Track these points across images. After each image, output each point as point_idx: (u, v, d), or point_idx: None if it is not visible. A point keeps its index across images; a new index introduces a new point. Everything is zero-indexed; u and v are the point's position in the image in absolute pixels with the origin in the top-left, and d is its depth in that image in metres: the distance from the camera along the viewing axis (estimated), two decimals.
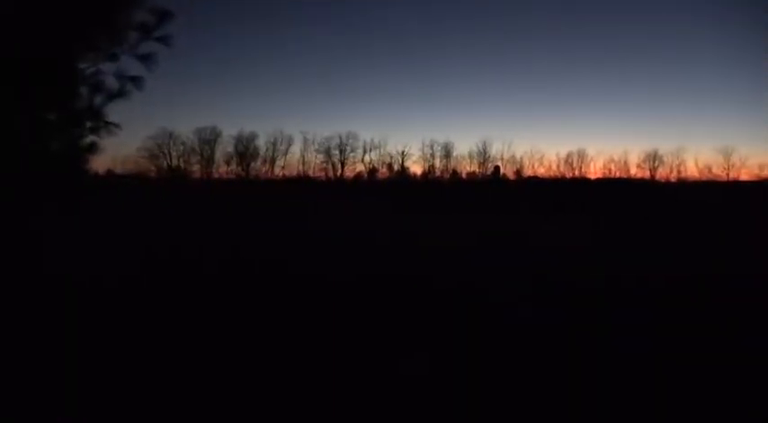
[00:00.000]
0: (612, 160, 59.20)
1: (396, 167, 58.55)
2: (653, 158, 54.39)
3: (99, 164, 17.60)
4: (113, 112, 5.96)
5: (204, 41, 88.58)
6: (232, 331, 5.85)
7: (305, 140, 59.17)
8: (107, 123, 5.83)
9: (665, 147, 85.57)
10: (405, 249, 13.40)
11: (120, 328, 5.90)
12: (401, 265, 10.51)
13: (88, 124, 5.77)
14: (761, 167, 52.01)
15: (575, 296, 7.59)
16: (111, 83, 5.86)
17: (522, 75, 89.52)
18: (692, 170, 56.17)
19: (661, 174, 54.17)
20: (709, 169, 51.94)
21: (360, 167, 58.55)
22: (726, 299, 7.46)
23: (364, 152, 57.94)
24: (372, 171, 58.45)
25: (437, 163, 58.20)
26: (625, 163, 56.84)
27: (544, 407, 3.98)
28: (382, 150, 60.04)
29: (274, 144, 57.18)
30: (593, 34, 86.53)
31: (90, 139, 5.86)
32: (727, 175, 51.09)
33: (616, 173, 55.38)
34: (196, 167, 55.84)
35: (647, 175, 54.37)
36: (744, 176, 50.61)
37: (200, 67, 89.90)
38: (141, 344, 5.38)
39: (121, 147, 62.17)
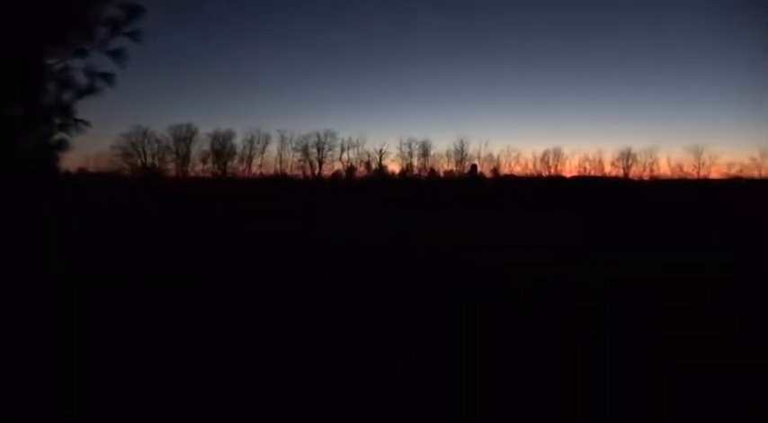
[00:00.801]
0: (587, 159, 59.77)
1: (374, 166, 58.64)
2: (626, 157, 55.41)
3: (71, 162, 17.27)
4: (84, 108, 5.84)
5: (180, 38, 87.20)
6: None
7: (282, 139, 58.75)
8: (76, 120, 5.71)
9: (638, 145, 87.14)
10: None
11: (102, 328, 5.73)
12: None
13: (57, 121, 5.64)
14: (729, 166, 52.85)
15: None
16: (81, 79, 5.74)
17: (499, 74, 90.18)
18: (664, 168, 57.41)
19: (634, 172, 55.22)
20: (681, 167, 53.12)
21: (338, 166, 58.54)
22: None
23: (342, 150, 57.92)
24: (350, 169, 58.41)
25: (415, 161, 58.51)
26: (599, 161, 57.64)
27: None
28: (360, 149, 59.94)
29: (251, 142, 56.71)
30: (568, 36, 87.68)
31: (59, 136, 5.74)
32: (698, 173, 52.31)
33: (591, 171, 56.25)
34: (171, 166, 55.13)
35: (620, 173, 55.37)
36: (714, 175, 51.86)
37: (175, 63, 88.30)
38: (122, 343, 5.24)
39: (95, 144, 61.05)
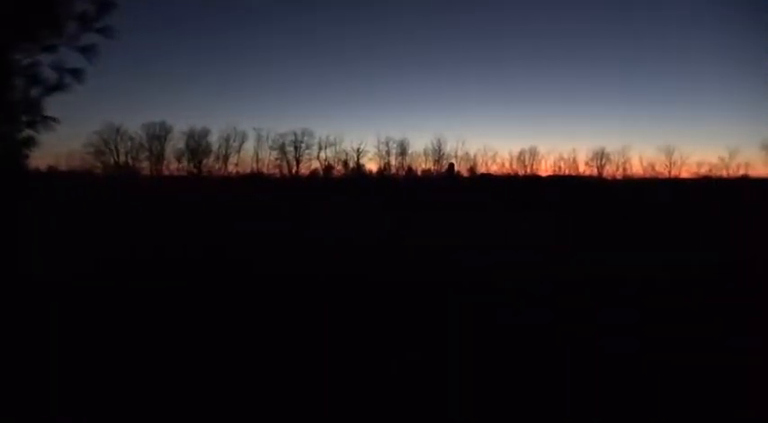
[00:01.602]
0: (562, 158, 60.50)
1: (351, 165, 58.53)
2: (600, 156, 56.33)
3: (40, 160, 16.87)
4: (54, 105, 5.73)
5: (153, 34, 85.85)
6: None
7: (259, 137, 58.06)
8: (45, 117, 5.60)
9: (611, 145, 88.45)
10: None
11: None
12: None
13: (24, 118, 5.52)
14: (699, 165, 53.99)
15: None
16: (50, 75, 5.63)
17: (476, 74, 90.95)
18: (636, 168, 58.33)
19: (608, 171, 56.17)
20: (653, 167, 54.17)
21: (315, 165, 58.25)
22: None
23: (319, 149, 57.60)
24: (328, 168, 58.19)
25: (392, 160, 58.58)
26: (574, 161, 58.47)
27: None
28: (338, 147, 59.26)
29: (227, 140, 55.92)
30: (543, 37, 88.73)
31: (26, 133, 5.62)
32: (669, 172, 53.42)
33: (566, 170, 57.03)
34: (145, 164, 54.16)
35: (594, 172, 56.27)
36: (684, 174, 52.97)
37: (149, 60, 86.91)
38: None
39: (66, 142, 59.59)
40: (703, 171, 51.32)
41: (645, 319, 6.46)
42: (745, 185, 44.37)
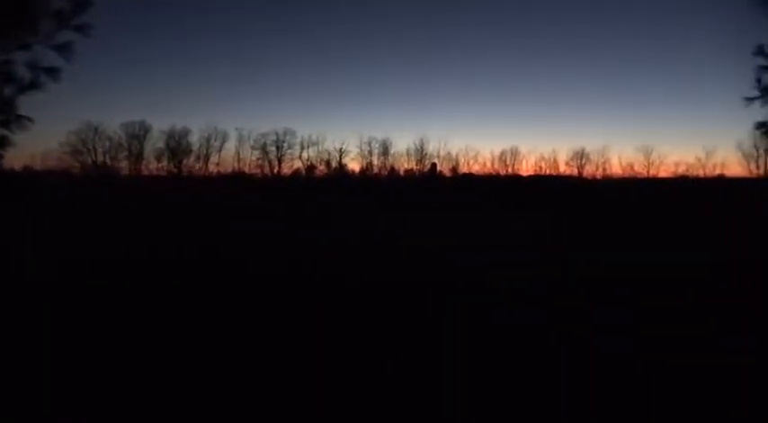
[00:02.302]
0: (543, 158, 61.07)
1: (334, 164, 58.40)
2: (580, 156, 56.97)
3: (15, 159, 16.54)
4: (30, 104, 5.62)
5: (132, 32, 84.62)
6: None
7: (240, 137, 57.57)
8: (19, 116, 5.48)
9: (591, 145, 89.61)
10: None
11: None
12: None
13: None
14: (677, 165, 54.83)
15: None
16: (24, 73, 5.51)
17: (458, 74, 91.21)
18: (616, 168, 59.01)
19: (588, 171, 56.84)
20: (632, 167, 54.95)
21: (297, 164, 58.01)
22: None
23: (302, 149, 57.36)
24: (310, 168, 57.98)
25: (375, 160, 58.58)
26: (554, 160, 59.05)
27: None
28: (320, 147, 59.11)
29: (208, 140, 55.41)
30: (524, 38, 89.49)
31: None
32: (648, 172, 54.25)
33: (546, 170, 57.59)
34: (124, 164, 53.37)
35: (575, 172, 56.90)
36: (662, 174, 53.80)
37: (128, 58, 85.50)
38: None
39: (44, 141, 58.46)
40: (681, 171, 52.23)
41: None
42: (721, 185, 45.27)
